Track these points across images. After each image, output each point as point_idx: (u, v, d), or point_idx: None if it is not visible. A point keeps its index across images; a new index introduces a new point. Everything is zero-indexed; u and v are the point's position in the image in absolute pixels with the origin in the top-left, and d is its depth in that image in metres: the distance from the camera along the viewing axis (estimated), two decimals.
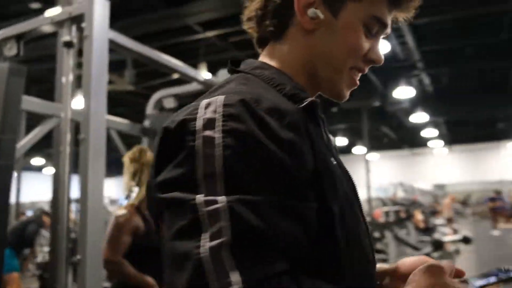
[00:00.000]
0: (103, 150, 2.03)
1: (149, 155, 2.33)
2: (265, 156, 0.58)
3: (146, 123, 3.21)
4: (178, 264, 0.53)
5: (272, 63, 0.77)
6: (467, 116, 17.63)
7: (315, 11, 0.73)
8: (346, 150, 22.78)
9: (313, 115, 0.70)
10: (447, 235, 8.86)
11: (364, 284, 0.71)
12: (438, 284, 0.64)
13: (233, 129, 0.58)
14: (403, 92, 12.01)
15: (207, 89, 2.82)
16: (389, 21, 0.80)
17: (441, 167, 23.87)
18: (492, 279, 0.86)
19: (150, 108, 3.28)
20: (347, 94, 0.82)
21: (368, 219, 7.08)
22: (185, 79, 3.08)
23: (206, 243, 0.52)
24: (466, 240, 6.04)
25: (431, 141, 21.23)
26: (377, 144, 21.30)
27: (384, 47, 8.70)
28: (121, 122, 2.91)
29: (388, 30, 0.81)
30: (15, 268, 4.53)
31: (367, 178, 12.85)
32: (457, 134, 21.34)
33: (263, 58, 0.81)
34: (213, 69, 10.25)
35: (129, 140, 3.51)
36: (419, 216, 11.80)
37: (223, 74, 3.09)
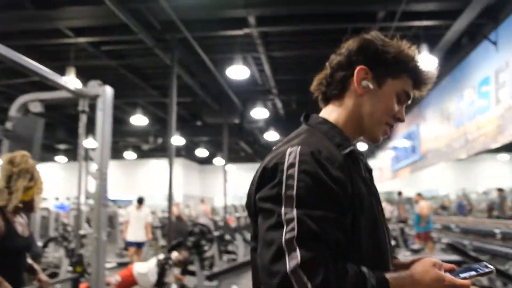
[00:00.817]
0: None
1: (30, 162, 2.20)
2: (323, 186, 0.90)
3: (8, 125, 2.99)
4: (268, 245, 0.87)
5: (331, 118, 1.08)
6: None
7: (367, 83, 1.05)
8: (208, 161, 23.25)
9: (354, 156, 1.02)
10: None
11: (380, 267, 0.94)
12: (429, 271, 0.90)
13: (305, 170, 0.91)
14: (259, 112, 12.80)
15: (76, 97, 2.75)
16: (411, 95, 1.10)
17: None
18: (473, 273, 0.92)
19: (14, 111, 3.06)
20: (381, 139, 1.11)
21: (221, 224, 7.40)
22: (48, 84, 2.93)
23: (284, 235, 0.86)
24: None
25: None
26: (235, 156, 22.20)
27: (243, 72, 9.23)
28: None
29: (409, 101, 1.11)
30: None
31: (224, 187, 13.31)
32: None
33: (325, 113, 1.12)
34: (82, 74, 9.71)
35: None
36: None
37: (93, 85, 3.05)
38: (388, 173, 17.79)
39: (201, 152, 19.68)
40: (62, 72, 9.27)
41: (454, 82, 10.47)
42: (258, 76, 11.62)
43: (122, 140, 18.08)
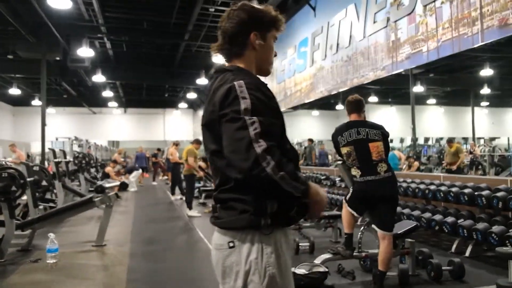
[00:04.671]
0: None
1: None
2: (265, 101, 1.35)
3: None
4: (239, 140, 1.26)
5: (241, 66, 1.49)
6: (140, 83, 18.86)
7: (259, 41, 1.49)
8: (24, 102, 20.53)
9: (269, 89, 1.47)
10: (110, 183, 9.51)
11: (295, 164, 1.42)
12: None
13: (251, 91, 1.33)
14: (85, 51, 11.77)
15: None
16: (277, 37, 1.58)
17: (117, 126, 24.89)
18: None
19: None
20: (271, 71, 1.59)
21: (36, 169, 6.79)
22: None
23: (251, 132, 1.26)
24: (123, 186, 6.77)
25: (110, 102, 21.70)
26: (57, 99, 20.09)
27: (65, 2, 8.28)
28: None
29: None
30: None
31: (42, 131, 12.06)
32: (132, 98, 22.60)
33: (234, 64, 1.50)
34: None
35: None
36: (109, 168, 12.11)
37: None
38: None
39: (15, 91, 17.18)
40: None
41: (279, 41, 11.30)
42: (85, 10, 10.56)
43: None
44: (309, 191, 1.33)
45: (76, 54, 11.95)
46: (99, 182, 7.47)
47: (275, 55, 1.60)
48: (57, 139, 17.46)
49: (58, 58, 12.51)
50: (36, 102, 19.41)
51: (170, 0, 10.37)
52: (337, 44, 8.52)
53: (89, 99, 20.72)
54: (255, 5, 1.55)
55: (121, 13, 11.18)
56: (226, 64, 1.55)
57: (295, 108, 20.03)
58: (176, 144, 10.79)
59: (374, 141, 3.54)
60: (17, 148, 11.09)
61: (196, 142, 8.38)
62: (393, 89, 19.01)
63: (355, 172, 3.59)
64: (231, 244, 1.34)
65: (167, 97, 22.56)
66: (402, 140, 22.42)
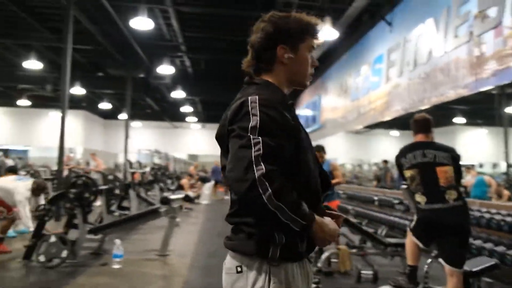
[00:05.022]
0: None
1: None
2: (277, 121, 1.24)
3: None
4: (240, 160, 1.17)
5: (270, 80, 1.40)
6: (217, 99, 19.44)
7: (288, 55, 1.39)
8: (113, 115, 22.24)
9: (293, 106, 1.39)
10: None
11: (311, 191, 1.32)
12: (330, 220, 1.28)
13: (263, 108, 1.24)
14: (166, 69, 12.46)
15: None
16: (315, 45, 1.46)
17: (195, 141, 25.94)
18: None
19: None
20: (308, 84, 1.48)
21: (111, 178, 7.21)
22: None
23: (253, 153, 1.16)
24: (186, 198, 6.94)
25: (189, 117, 22.69)
26: (141, 113, 21.50)
27: (148, 24, 8.86)
28: None
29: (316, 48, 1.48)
30: None
31: (125, 143, 12.92)
32: (210, 114, 23.40)
33: (264, 78, 1.42)
34: None
35: None
36: (185, 180, 12.64)
37: None
38: None
39: (105, 105, 18.73)
40: None
41: (352, 58, 11.13)
42: (166, 30, 11.23)
43: (15, 85, 16.48)
44: (310, 226, 1.20)
45: (158, 71, 12.70)
46: (164, 194, 7.77)
47: (314, 66, 1.46)
48: (140, 151, 18.59)
49: (142, 75, 13.39)
50: (122, 116, 20.93)
51: (246, 20, 10.62)
52: (414, 60, 8.07)
53: (171, 114, 21.84)
54: (284, 14, 1.43)
55: (200, 33, 11.68)
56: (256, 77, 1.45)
57: (371, 127, 19.46)
58: None
59: (442, 165, 3.20)
60: (97, 157, 11.95)
61: None
62: (483, 109, 17.55)
63: (419, 198, 3.28)
64: (239, 269, 1.26)
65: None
66: (494, 166, 20.54)
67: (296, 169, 1.28)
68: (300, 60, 1.42)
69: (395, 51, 8.94)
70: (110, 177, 6.81)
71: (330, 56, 12.20)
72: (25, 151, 21.93)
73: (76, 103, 18.94)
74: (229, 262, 1.30)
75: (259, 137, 1.19)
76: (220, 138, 1.34)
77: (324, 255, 4.89)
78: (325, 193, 1.53)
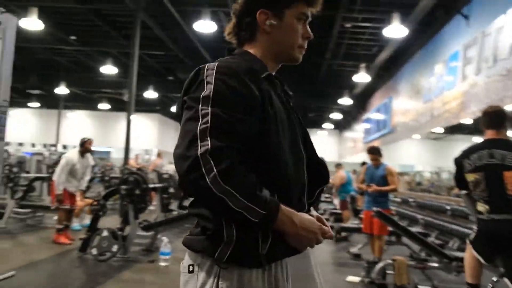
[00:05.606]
0: None
1: None
2: (236, 91, 1.03)
3: None
4: (184, 135, 0.99)
5: (251, 50, 1.20)
6: None
7: (270, 22, 1.18)
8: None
9: (271, 79, 1.16)
10: None
11: (285, 181, 1.08)
12: (310, 217, 1.06)
13: (221, 75, 1.04)
14: None
15: None
16: (309, 13, 1.23)
17: None
18: None
19: None
20: (300, 58, 1.25)
21: (166, 176, 7.32)
22: None
23: (199, 126, 0.97)
24: None
25: None
26: None
27: (210, 27, 8.99)
28: None
29: (309, 18, 1.24)
30: None
31: None
32: None
33: (246, 49, 1.22)
34: (47, 17, 9.33)
35: None
36: None
37: None
38: (360, 145, 17.91)
39: (174, 109, 19.48)
40: (25, 13, 8.90)
41: (426, 56, 10.34)
42: None
43: (96, 90, 17.76)
44: (273, 218, 0.97)
45: None
46: None
47: (308, 38, 1.23)
48: None
49: None
50: None
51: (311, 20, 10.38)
52: (494, 56, 7.25)
53: None
54: None
55: None
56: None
57: (450, 132, 17.98)
58: None
59: (511, 169, 2.72)
60: (161, 158, 12.25)
61: None
62: None
63: (481, 207, 2.78)
64: (191, 268, 1.07)
65: (312, 117, 22.66)
66: None
67: (263, 151, 1.05)
68: (286, 28, 1.20)
69: (472, 46, 8.12)
70: (165, 176, 6.94)
71: (402, 56, 11.50)
72: (107, 152, 23.54)
73: (151, 107, 19.93)
74: (185, 260, 1.11)
75: (209, 108, 0.99)
76: (178, 117, 1.14)
77: (378, 266, 4.50)
78: (321, 188, 1.29)
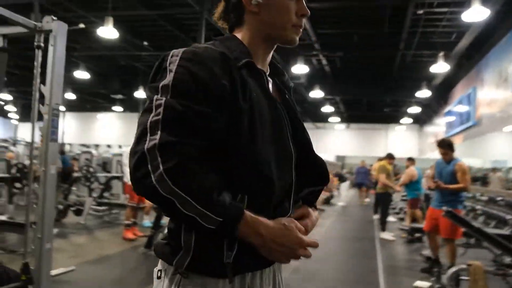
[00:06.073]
0: None
1: None
2: (199, 80, 0.91)
3: None
4: (138, 127, 0.89)
5: (239, 36, 1.08)
6: (358, 98, 18.66)
7: (256, 1, 1.05)
8: None
9: (253, 69, 1.03)
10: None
11: (263, 183, 0.95)
12: (287, 224, 0.93)
13: (183, 63, 0.93)
14: (300, 68, 12.38)
15: (32, 32, 2.76)
16: None
17: (340, 142, 25.36)
18: None
19: None
20: (297, 40, 1.10)
21: None
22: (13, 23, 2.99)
23: (150, 118, 0.87)
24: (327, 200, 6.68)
25: (331, 117, 22.32)
26: None
27: None
28: None
29: None
30: None
31: None
32: (353, 113, 22.62)
33: (235, 34, 1.11)
34: (121, 25, 9.94)
35: None
36: None
37: (47, 20, 3.05)
38: None
39: None
40: (102, 23, 9.56)
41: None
42: None
43: None
44: (233, 226, 0.86)
45: (293, 71, 12.72)
46: None
47: (303, 15, 1.09)
48: None
49: None
50: None
51: (378, 10, 9.88)
52: None
53: (312, 114, 21.81)
54: None
55: (332, 29, 11.29)
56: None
57: None
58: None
59: None
60: None
61: (389, 157, 7.56)
62: None
63: None
64: (159, 274, 0.99)
65: (388, 112, 21.65)
66: None
67: (232, 148, 0.93)
68: (274, 6, 1.06)
69: None
70: None
71: (485, 41, 10.48)
72: None
73: None
74: (158, 265, 1.04)
75: (163, 98, 0.89)
76: None
77: (451, 271, 4.10)
78: (318, 188, 1.14)
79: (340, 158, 30.41)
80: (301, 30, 1.11)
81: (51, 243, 3.01)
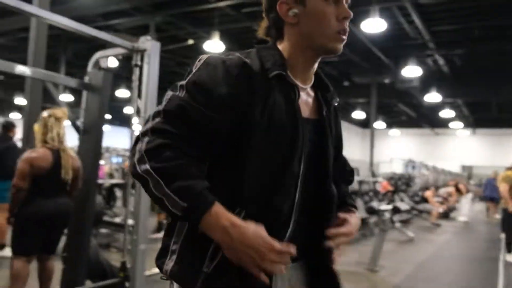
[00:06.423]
0: None
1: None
2: (208, 83, 0.96)
3: (86, 79, 3.58)
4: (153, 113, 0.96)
5: (280, 47, 1.08)
6: (486, 98, 16.76)
7: (293, 11, 1.05)
8: (368, 124, 22.41)
9: (284, 81, 1.03)
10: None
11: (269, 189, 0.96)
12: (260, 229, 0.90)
13: (202, 67, 0.99)
14: (413, 70, 11.65)
15: (130, 52, 3.12)
16: None
17: (464, 149, 23.09)
18: None
19: (90, 67, 3.64)
20: (340, 48, 1.07)
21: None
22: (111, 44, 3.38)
23: (157, 108, 0.96)
24: (395, 210, 6.20)
25: (452, 122, 20.46)
26: (398, 120, 20.87)
27: (380, 25, 8.56)
28: (62, 77, 3.31)
29: None
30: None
31: (370, 152, 12.79)
32: (480, 117, 20.43)
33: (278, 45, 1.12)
34: (226, 38, 10.50)
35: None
36: (429, 192, 11.46)
37: (143, 41, 3.37)
38: None
39: (359, 114, 19.12)
40: (208, 37, 10.24)
41: None
42: (408, 28, 10.52)
43: None
44: (197, 215, 0.85)
45: (404, 74, 12.06)
46: (373, 203, 7.08)
47: (347, 17, 1.04)
48: (391, 160, 18.04)
49: (387, 80, 12.99)
50: (379, 124, 20.86)
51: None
52: None
53: (429, 119, 20.31)
54: None
55: (448, 25, 10.42)
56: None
57: None
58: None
59: None
60: None
61: None
62: None
63: None
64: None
65: None
66: None
67: (232, 157, 0.96)
68: (312, 14, 1.03)
69: None
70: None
71: None
72: None
73: None
74: None
75: (172, 93, 0.97)
76: None
77: None
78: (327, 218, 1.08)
79: (467, 168, 27.68)
80: (345, 36, 1.06)
81: (146, 244, 3.30)
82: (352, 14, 1.07)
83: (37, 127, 3.21)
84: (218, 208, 0.87)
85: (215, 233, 0.88)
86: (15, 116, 20.24)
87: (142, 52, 3.39)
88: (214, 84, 0.95)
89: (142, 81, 3.35)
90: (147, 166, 0.87)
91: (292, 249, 0.89)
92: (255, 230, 0.88)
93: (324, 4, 1.03)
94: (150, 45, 3.35)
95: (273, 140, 0.96)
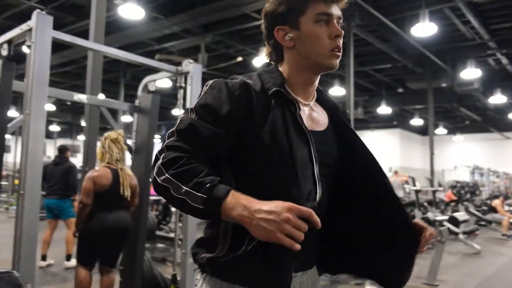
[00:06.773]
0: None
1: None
2: (213, 103, 1.08)
3: (137, 102, 3.87)
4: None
5: (281, 69, 1.20)
6: None
7: (289, 36, 1.16)
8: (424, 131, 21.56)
9: (280, 98, 1.14)
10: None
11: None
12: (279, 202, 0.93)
13: (208, 91, 1.12)
14: (471, 73, 11.15)
15: (175, 76, 3.38)
16: (332, 10, 1.15)
17: None
18: None
19: (140, 91, 3.93)
20: (336, 63, 1.17)
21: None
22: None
23: (171, 129, 1.07)
24: (451, 220, 5.89)
25: None
26: (462, 126, 19.89)
27: (431, 29, 8.37)
28: (115, 102, 3.62)
29: (336, 14, 1.16)
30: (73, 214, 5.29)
31: (430, 158, 12.31)
32: None
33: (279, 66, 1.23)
34: None
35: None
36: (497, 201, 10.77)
37: (186, 64, 3.59)
38: None
39: (417, 121, 18.48)
40: (257, 53, 10.48)
41: None
42: (464, 29, 10.13)
43: None
44: (217, 201, 0.92)
45: (462, 77, 11.57)
46: (428, 214, 6.73)
47: (338, 35, 1.13)
48: (455, 167, 17.16)
49: (444, 85, 12.52)
50: (440, 130, 20.01)
51: None
52: None
53: (497, 122, 19.15)
54: None
55: (508, 23, 9.92)
56: None
57: None
58: None
59: None
60: (396, 175, 11.72)
61: None
62: None
63: None
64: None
65: None
66: None
67: (239, 169, 1.10)
68: (306, 36, 1.15)
69: None
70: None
71: None
72: None
73: (389, 122, 19.66)
74: None
75: (184, 115, 1.09)
76: None
77: None
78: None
79: None
80: (339, 52, 1.16)
81: None
82: (343, 32, 1.16)
83: (98, 148, 3.56)
84: (235, 192, 0.95)
85: (237, 212, 0.92)
86: (81, 137, 21.78)
87: (185, 74, 3.62)
88: (219, 104, 1.07)
89: (186, 101, 3.58)
90: (166, 175, 0.97)
91: (311, 211, 0.91)
92: (277, 202, 0.92)
93: (316, 26, 1.14)
94: (192, 67, 3.57)
95: (275, 151, 1.08)
